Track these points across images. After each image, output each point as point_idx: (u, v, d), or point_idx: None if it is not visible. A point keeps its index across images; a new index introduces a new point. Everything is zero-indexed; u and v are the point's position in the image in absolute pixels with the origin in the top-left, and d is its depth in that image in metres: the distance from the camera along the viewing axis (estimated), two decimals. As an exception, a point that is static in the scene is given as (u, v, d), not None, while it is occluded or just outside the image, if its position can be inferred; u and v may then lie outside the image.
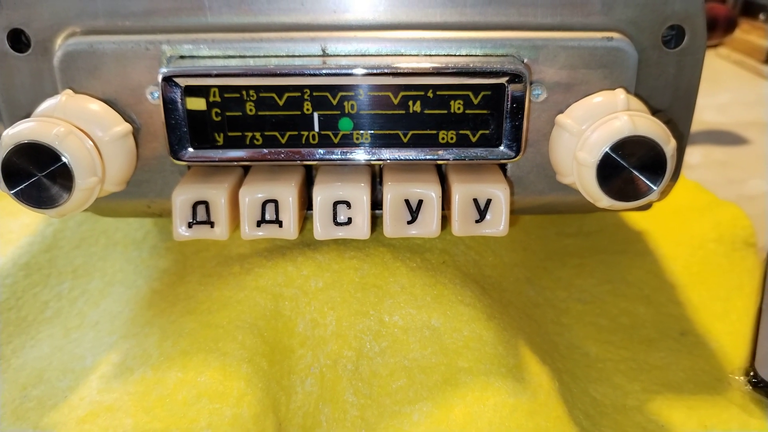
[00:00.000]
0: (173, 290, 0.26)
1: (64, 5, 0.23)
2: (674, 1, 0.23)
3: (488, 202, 0.23)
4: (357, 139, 0.23)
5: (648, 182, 0.21)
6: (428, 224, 0.23)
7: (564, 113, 0.23)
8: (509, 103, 0.23)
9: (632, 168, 0.21)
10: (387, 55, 0.23)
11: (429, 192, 0.23)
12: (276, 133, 0.23)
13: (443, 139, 0.23)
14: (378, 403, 0.22)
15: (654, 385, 0.25)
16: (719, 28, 0.43)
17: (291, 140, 0.23)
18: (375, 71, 0.22)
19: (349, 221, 0.23)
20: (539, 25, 0.23)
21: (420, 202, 0.23)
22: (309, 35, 0.23)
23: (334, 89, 0.23)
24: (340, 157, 0.23)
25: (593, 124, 0.21)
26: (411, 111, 0.23)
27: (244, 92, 0.22)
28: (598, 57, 0.23)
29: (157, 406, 0.21)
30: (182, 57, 0.23)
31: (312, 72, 0.22)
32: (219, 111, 0.23)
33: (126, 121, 0.23)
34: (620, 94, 0.22)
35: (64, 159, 0.20)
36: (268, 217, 0.23)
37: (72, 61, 0.23)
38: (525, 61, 0.23)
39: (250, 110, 0.23)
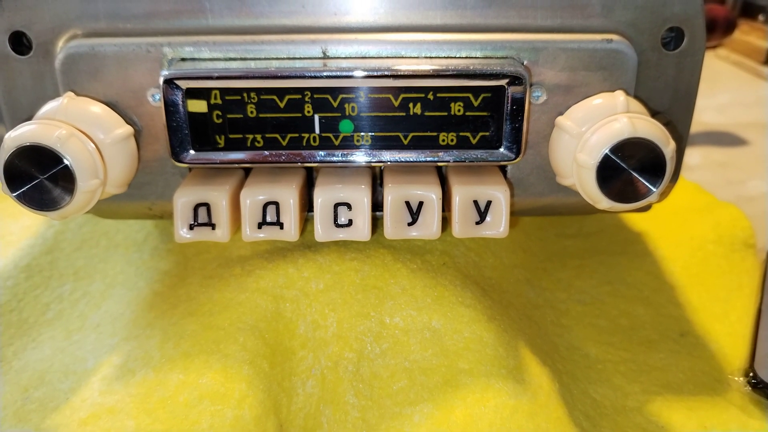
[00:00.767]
0: (174, 292, 0.26)
1: (65, 8, 0.23)
2: (673, 3, 0.23)
3: (488, 203, 0.23)
4: (357, 141, 0.23)
5: (647, 184, 0.21)
6: (429, 226, 0.23)
7: (564, 115, 0.23)
8: (509, 105, 0.23)
9: (632, 170, 0.21)
10: (387, 57, 0.23)
11: (429, 194, 0.23)
12: (277, 136, 0.23)
13: (443, 141, 0.23)
14: (379, 405, 0.22)
15: (654, 387, 0.25)
16: (718, 29, 0.43)
17: (292, 142, 0.23)
18: (375, 73, 0.22)
19: (350, 223, 0.23)
20: (539, 27, 0.23)
21: (420, 203, 0.23)
22: (310, 38, 0.23)
23: (334, 91, 0.23)
24: (340, 159, 0.23)
25: (593, 126, 0.21)
26: (411, 113, 0.23)
27: (245, 94, 0.23)
28: (597, 59, 0.23)
29: (158, 407, 0.21)
30: (183, 59, 0.23)
31: (313, 74, 0.22)
32: (220, 113, 0.23)
33: (127, 123, 0.23)
34: (620, 96, 0.22)
35: (66, 161, 0.20)
36: (269, 218, 0.23)
37: (73, 63, 0.23)
38: (525, 63, 0.23)
39: (251, 112, 0.23)
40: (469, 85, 0.22)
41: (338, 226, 0.23)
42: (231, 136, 0.23)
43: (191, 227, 0.23)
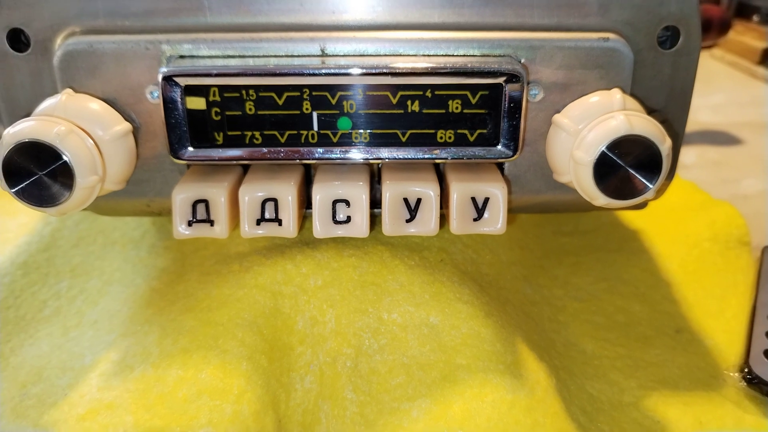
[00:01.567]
0: (172, 288, 0.26)
1: (64, 5, 0.23)
2: (669, 2, 0.24)
3: (486, 200, 0.23)
4: (356, 138, 0.23)
5: (644, 180, 0.21)
6: (427, 222, 0.23)
7: (561, 113, 0.23)
8: (507, 102, 0.23)
9: (628, 167, 0.21)
10: (385, 55, 0.23)
11: (427, 191, 0.23)
12: (275, 133, 0.23)
13: (441, 138, 0.23)
14: (377, 400, 0.22)
15: (650, 382, 0.25)
16: (713, 29, 0.43)
17: (290, 139, 0.23)
18: (373, 71, 0.22)
19: (348, 219, 0.23)
20: (536, 26, 0.24)
21: (418, 200, 0.23)
22: (308, 35, 0.23)
23: (333, 89, 0.23)
24: (339, 156, 0.23)
25: (590, 124, 0.22)
26: (409, 110, 0.23)
27: (243, 92, 0.23)
28: (594, 57, 0.23)
29: (157, 403, 0.21)
30: (182, 57, 0.23)
31: (311, 72, 0.22)
32: (219, 110, 0.23)
33: (126, 120, 0.23)
34: (616, 93, 0.22)
35: (65, 157, 0.20)
36: (267, 215, 0.23)
37: (72, 60, 0.23)
38: (522, 61, 0.23)
39: (250, 109, 0.23)
40: (467, 83, 0.23)
41: (337, 222, 0.23)
42: (229, 133, 0.23)
43: (190, 224, 0.23)
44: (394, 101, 0.23)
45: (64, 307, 0.28)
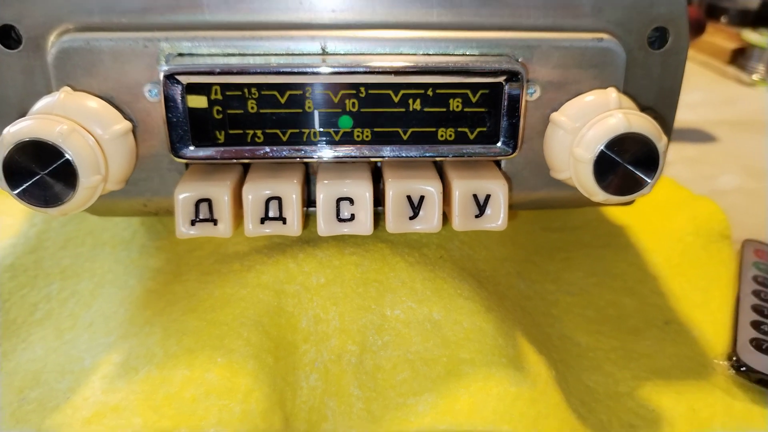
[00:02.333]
0: (170, 289, 0.26)
1: (57, 2, 0.23)
2: (659, 4, 0.24)
3: (487, 197, 0.23)
4: (357, 136, 0.24)
5: (643, 177, 0.22)
6: (430, 219, 0.24)
7: (558, 111, 0.24)
8: (506, 101, 0.23)
9: (627, 164, 0.22)
10: (387, 54, 0.23)
11: (430, 188, 0.23)
12: (277, 131, 0.23)
13: (442, 136, 0.24)
14: (383, 396, 0.22)
15: (643, 372, 0.26)
16: (690, 30, 0.45)
17: (292, 138, 0.23)
18: (376, 70, 0.22)
19: (353, 217, 0.23)
20: (532, 26, 0.24)
21: (422, 198, 0.23)
22: (308, 34, 0.23)
23: (335, 87, 0.23)
24: (340, 154, 0.24)
25: (589, 122, 0.22)
26: (411, 109, 0.23)
27: (245, 90, 0.23)
28: (589, 57, 0.24)
29: (164, 404, 0.21)
30: (181, 54, 0.23)
31: (314, 70, 0.22)
32: (220, 109, 0.23)
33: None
34: (612, 92, 0.23)
35: (67, 156, 0.20)
36: (271, 214, 0.23)
37: (67, 58, 0.22)
38: (519, 60, 0.23)
39: (252, 108, 0.23)
40: (467, 82, 0.23)
41: (341, 220, 0.23)
42: (231, 131, 0.23)
43: (193, 223, 0.23)
44: (396, 100, 0.23)
45: (56, 309, 0.27)
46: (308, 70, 0.22)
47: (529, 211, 0.35)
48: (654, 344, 0.27)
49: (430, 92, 0.23)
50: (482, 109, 0.24)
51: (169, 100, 0.22)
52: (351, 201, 0.23)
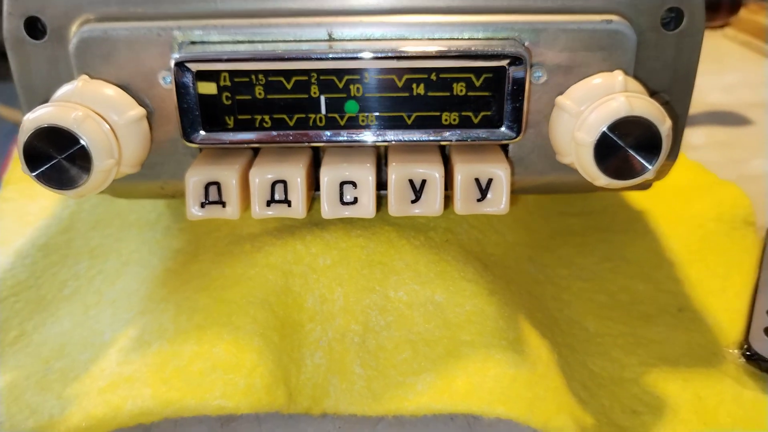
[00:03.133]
0: (187, 269, 0.27)
1: None
2: (673, -17, 0.24)
3: (489, 181, 0.24)
4: (363, 121, 0.24)
5: (643, 161, 0.21)
6: (431, 203, 0.24)
7: (563, 95, 0.24)
8: (510, 85, 0.23)
9: (628, 147, 0.21)
10: (392, 39, 0.23)
11: (432, 172, 0.24)
12: (284, 116, 0.24)
13: (446, 120, 0.24)
14: (384, 375, 0.23)
15: (651, 359, 0.25)
16: (723, 8, 0.43)
17: (299, 123, 0.24)
18: (380, 55, 0.23)
19: (355, 201, 0.24)
20: (540, 9, 0.24)
21: (423, 181, 0.24)
22: (315, 20, 0.24)
23: (340, 73, 0.23)
24: (346, 138, 0.24)
25: (591, 105, 0.22)
26: (415, 93, 0.24)
27: (253, 76, 0.23)
28: (597, 39, 0.23)
29: (173, 376, 0.22)
30: (193, 43, 0.23)
31: (319, 56, 0.23)
32: (229, 95, 0.23)
33: (140, 105, 0.24)
34: (618, 75, 0.23)
35: (82, 142, 0.21)
36: (277, 197, 0.24)
37: (87, 47, 0.24)
38: (526, 44, 0.23)
39: (259, 94, 0.24)
40: (471, 66, 0.23)
41: (344, 203, 0.24)
42: (240, 117, 0.24)
43: (203, 205, 0.24)
44: (400, 84, 0.23)
45: (84, 286, 0.29)
46: (314, 56, 0.23)
47: (546, 196, 0.35)
48: (665, 331, 0.27)
49: (433, 77, 0.23)
50: (486, 93, 0.24)
51: (180, 86, 0.23)
52: (354, 185, 0.24)
